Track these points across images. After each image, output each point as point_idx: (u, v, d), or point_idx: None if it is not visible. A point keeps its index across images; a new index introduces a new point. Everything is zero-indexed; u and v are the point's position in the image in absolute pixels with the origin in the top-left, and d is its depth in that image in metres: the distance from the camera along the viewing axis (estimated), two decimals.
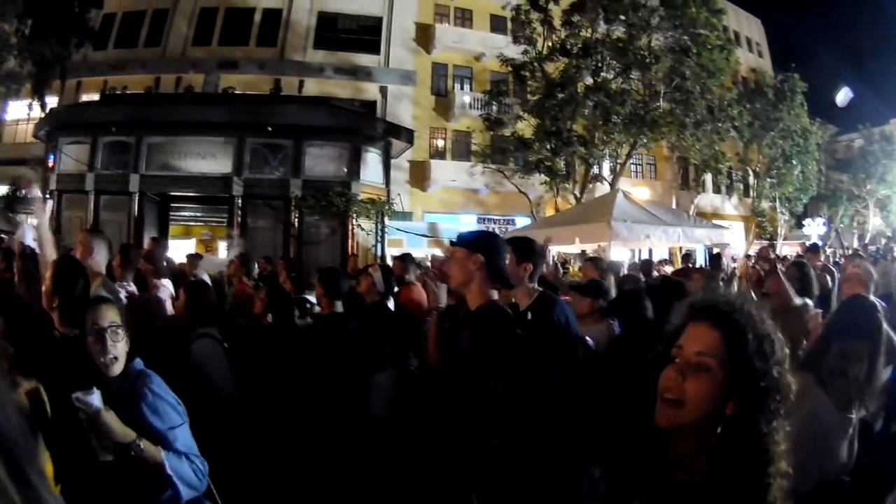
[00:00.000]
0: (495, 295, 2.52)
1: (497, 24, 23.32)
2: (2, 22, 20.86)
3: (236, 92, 17.63)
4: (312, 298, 5.20)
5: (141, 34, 22.10)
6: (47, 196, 16.96)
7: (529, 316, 2.86)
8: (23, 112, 23.19)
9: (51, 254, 3.28)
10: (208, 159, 16.26)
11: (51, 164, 17.72)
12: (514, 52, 18.72)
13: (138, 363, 2.21)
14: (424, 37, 22.98)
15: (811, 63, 28.26)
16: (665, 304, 4.28)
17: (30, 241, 5.80)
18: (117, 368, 2.13)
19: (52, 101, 21.62)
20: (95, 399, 1.90)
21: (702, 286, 4.82)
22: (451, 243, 2.65)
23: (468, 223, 19.83)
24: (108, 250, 3.85)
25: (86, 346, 2.13)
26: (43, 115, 19.93)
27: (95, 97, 20.19)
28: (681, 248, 14.97)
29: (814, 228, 23.64)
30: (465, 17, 23.80)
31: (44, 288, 2.69)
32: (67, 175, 16.71)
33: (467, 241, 2.58)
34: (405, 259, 6.12)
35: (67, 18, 21.59)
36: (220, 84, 17.89)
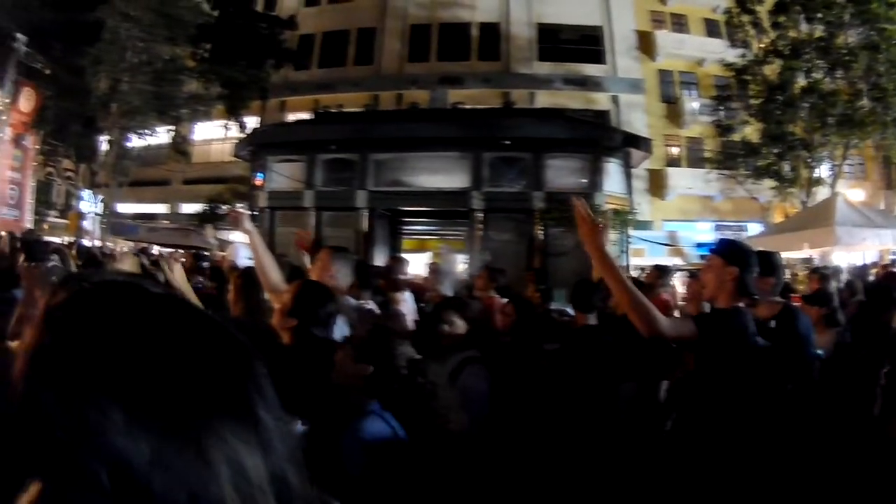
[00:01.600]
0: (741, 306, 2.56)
1: (712, 29, 23.12)
2: (174, 46, 21.60)
3: (465, 107, 17.88)
4: (567, 310, 5.09)
5: (348, 53, 22.77)
6: (255, 212, 17.33)
7: (774, 326, 2.93)
8: (216, 132, 24.33)
9: (275, 275, 3.15)
10: (442, 174, 16.40)
11: (258, 181, 18.12)
12: (732, 55, 18.66)
13: (372, 404, 2.04)
14: (646, 44, 22.98)
15: None
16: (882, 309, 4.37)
17: (242, 260, 5.73)
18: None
19: (250, 121, 22.37)
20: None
21: None
22: (710, 250, 2.69)
23: (704, 231, 19.82)
24: (350, 270, 3.58)
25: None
26: (244, 136, 20.60)
27: (301, 116, 20.77)
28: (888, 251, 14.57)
29: None
30: (680, 23, 23.73)
31: (278, 307, 2.62)
32: (281, 192, 17.07)
33: (725, 252, 2.59)
34: (661, 269, 6.10)
35: (256, 41, 22.40)
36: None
